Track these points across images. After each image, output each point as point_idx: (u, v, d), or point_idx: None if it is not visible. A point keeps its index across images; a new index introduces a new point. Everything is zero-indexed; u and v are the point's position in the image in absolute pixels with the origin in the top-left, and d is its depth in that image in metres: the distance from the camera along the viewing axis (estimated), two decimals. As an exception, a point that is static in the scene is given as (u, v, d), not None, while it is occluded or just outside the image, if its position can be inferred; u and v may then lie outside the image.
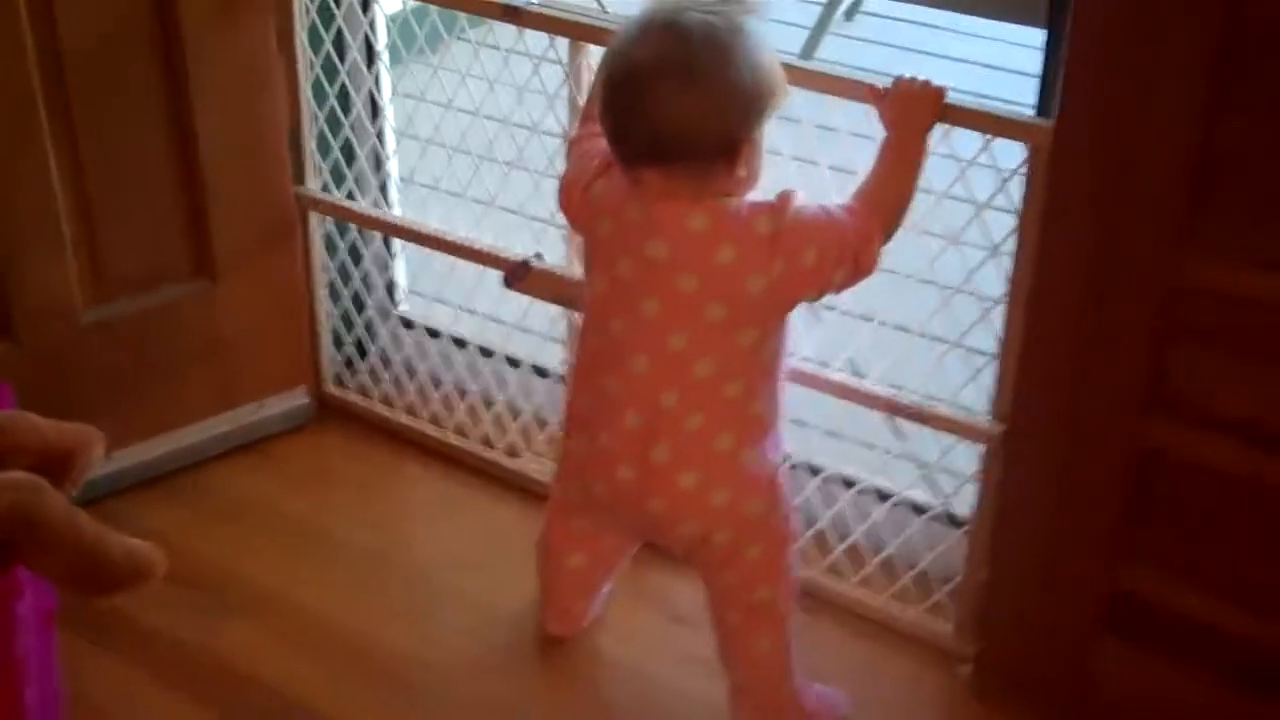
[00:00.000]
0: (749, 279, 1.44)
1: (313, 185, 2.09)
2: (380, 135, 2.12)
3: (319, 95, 2.06)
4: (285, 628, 1.84)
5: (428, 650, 1.81)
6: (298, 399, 2.17)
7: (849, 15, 3.46)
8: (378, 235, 2.17)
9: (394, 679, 1.77)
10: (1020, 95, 1.55)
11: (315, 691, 1.74)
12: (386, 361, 2.21)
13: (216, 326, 2.06)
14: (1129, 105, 1.40)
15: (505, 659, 1.80)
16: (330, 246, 2.15)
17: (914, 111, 1.53)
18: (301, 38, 2.00)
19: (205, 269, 2.02)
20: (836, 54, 3.26)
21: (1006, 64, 3.22)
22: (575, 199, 1.54)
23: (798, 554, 1.64)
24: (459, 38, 1.95)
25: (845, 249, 1.45)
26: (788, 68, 1.55)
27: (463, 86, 1.95)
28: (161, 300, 1.99)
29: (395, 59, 2.08)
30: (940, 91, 1.53)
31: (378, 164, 2.14)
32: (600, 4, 1.90)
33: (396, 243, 2.19)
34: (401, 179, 2.16)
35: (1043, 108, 1.55)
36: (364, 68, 2.06)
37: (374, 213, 2.09)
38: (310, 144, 2.07)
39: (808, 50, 3.18)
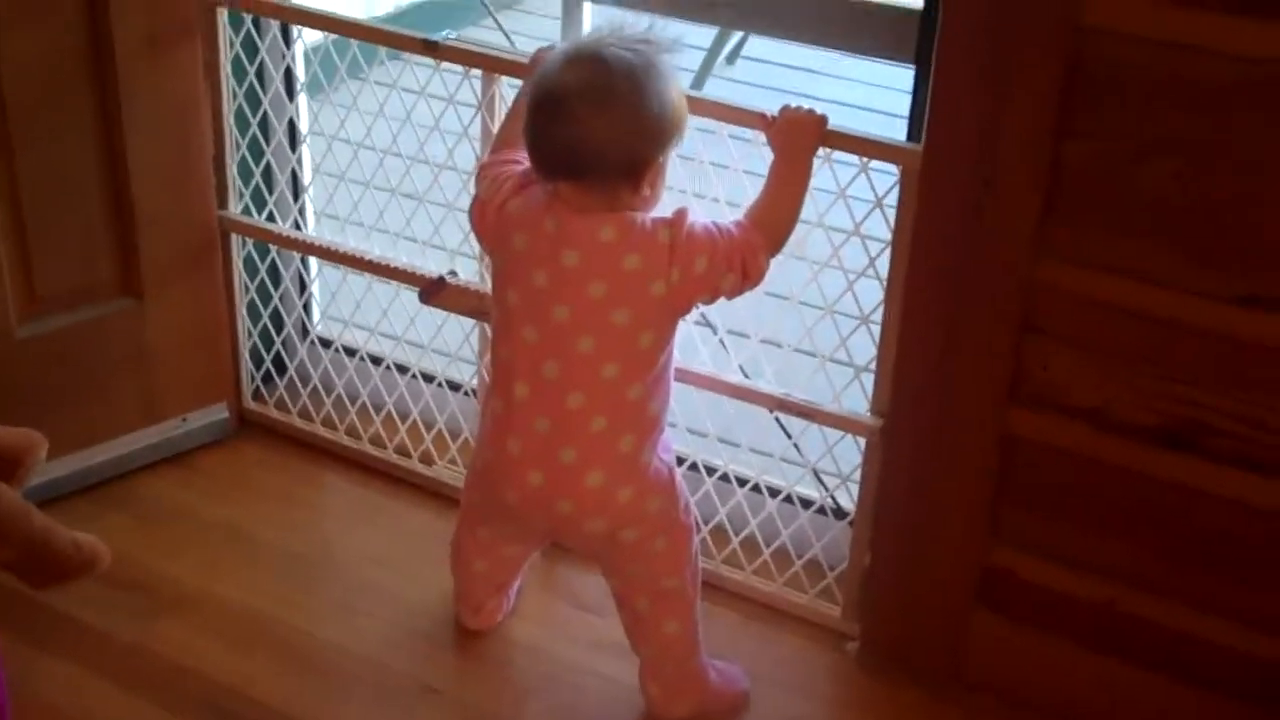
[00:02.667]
0: (651, 284, 1.60)
1: (234, 209, 2.21)
2: (299, 162, 2.25)
3: (241, 123, 2.18)
4: (218, 624, 1.95)
5: (352, 640, 1.93)
6: (219, 413, 2.29)
7: (730, 59, 3.66)
8: (296, 258, 2.30)
9: (324, 667, 1.90)
10: (891, 134, 1.74)
11: (251, 681, 1.86)
12: (304, 378, 2.33)
13: (142, 343, 2.16)
14: (988, 128, 1.59)
15: (426, 646, 1.94)
16: (251, 268, 2.27)
17: (799, 136, 1.70)
18: (226, 68, 2.13)
19: (132, 288, 2.13)
20: (719, 96, 3.44)
21: (877, 106, 3.45)
22: (489, 216, 1.68)
23: (698, 542, 1.79)
24: (380, 63, 2.08)
25: (733, 258, 1.61)
26: (690, 99, 1.73)
27: (380, 120, 2.09)
28: (90, 317, 2.10)
29: (316, 89, 2.22)
30: (822, 118, 1.71)
31: (296, 190, 2.27)
32: (510, 42, 2.05)
33: (314, 265, 2.32)
34: (318, 211, 2.30)
35: (913, 135, 1.73)
36: (285, 98, 2.20)
37: (293, 234, 2.22)
38: (233, 169, 2.19)
39: (697, 80, 3.37)
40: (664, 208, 1.64)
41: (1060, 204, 1.59)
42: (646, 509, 1.68)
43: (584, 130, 1.56)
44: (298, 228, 2.26)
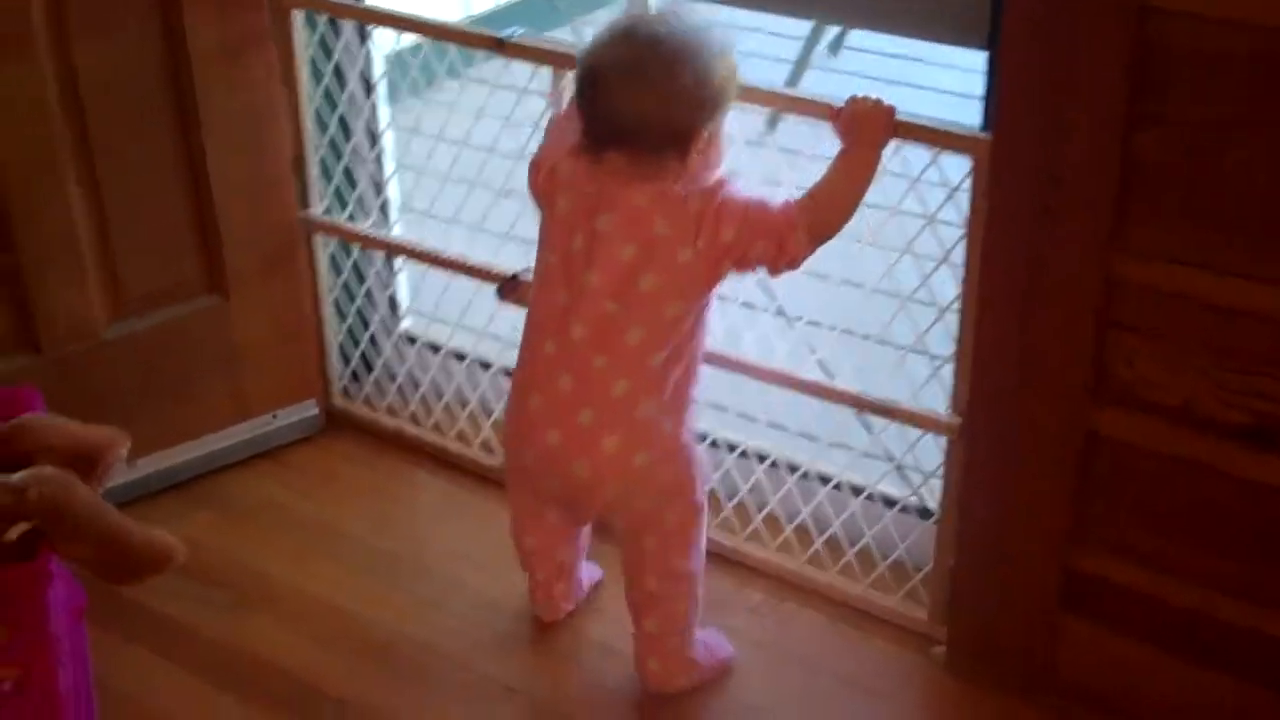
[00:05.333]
0: (679, 250, 1.61)
1: (316, 209, 2.22)
2: (379, 161, 2.25)
3: (320, 125, 2.19)
4: (302, 619, 1.97)
5: (435, 638, 1.94)
6: (308, 410, 2.31)
7: (833, 50, 3.57)
8: (379, 257, 2.30)
9: (406, 664, 1.90)
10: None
11: (330, 677, 1.87)
12: (391, 375, 2.34)
13: (230, 342, 2.19)
14: (1055, 118, 1.52)
15: (506, 644, 1.93)
16: (335, 267, 2.28)
17: (865, 127, 1.66)
18: (303, 71, 2.13)
19: (218, 287, 2.15)
20: (821, 87, 3.36)
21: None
22: (540, 178, 1.72)
23: (706, 524, 1.77)
24: (467, 65, 2.08)
25: (770, 232, 1.61)
26: (756, 91, 1.71)
27: (454, 116, 2.08)
28: (177, 316, 2.13)
29: (392, 96, 2.22)
30: (890, 110, 1.65)
31: (377, 189, 2.27)
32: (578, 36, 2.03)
33: (397, 263, 2.32)
34: (399, 205, 2.29)
35: (987, 124, 1.67)
36: (362, 98, 2.20)
37: (373, 233, 2.22)
38: (313, 170, 2.20)
39: (790, 83, 3.29)
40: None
41: (1135, 194, 1.52)
42: (661, 478, 1.69)
43: (620, 103, 1.59)
44: (384, 221, 2.27)
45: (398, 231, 2.30)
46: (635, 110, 1.59)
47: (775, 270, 1.65)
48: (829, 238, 1.66)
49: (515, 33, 1.94)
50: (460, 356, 2.28)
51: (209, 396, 2.20)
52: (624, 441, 1.66)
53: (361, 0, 2.10)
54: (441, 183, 2.15)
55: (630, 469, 1.67)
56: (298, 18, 2.11)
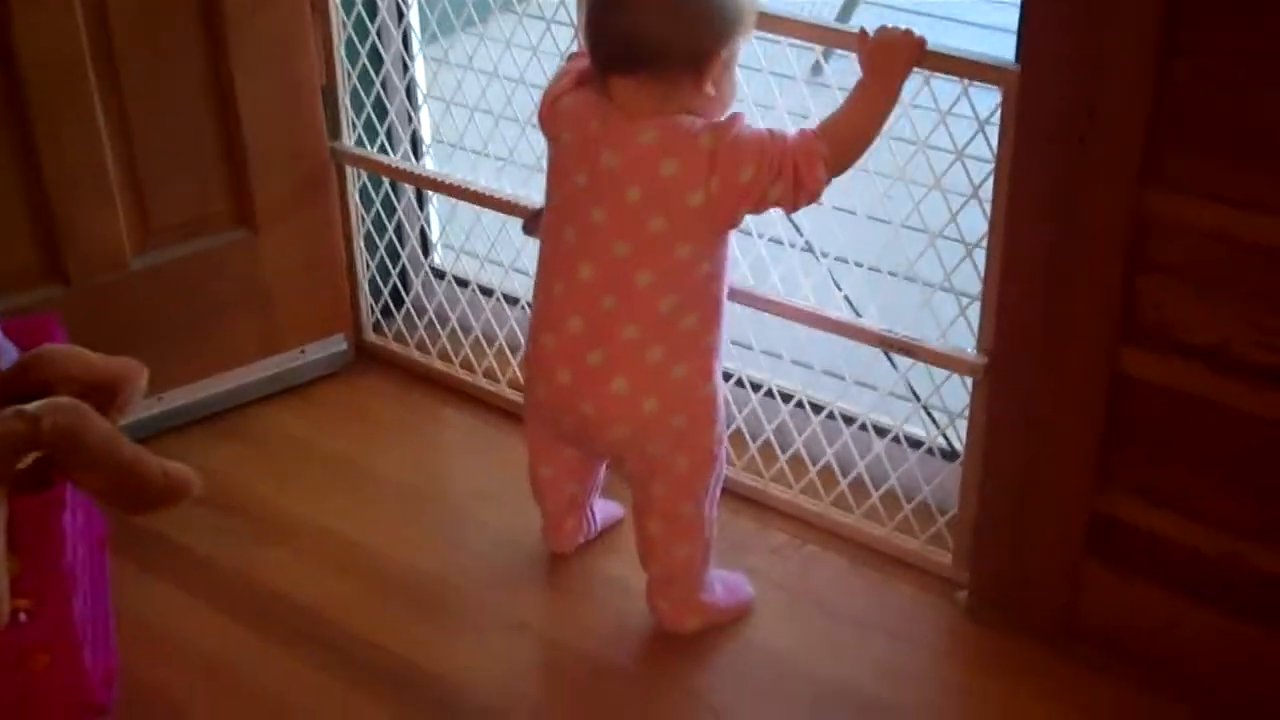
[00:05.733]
0: (689, 193, 1.56)
1: (347, 141, 2.20)
2: (410, 93, 2.22)
3: (351, 55, 2.17)
4: (320, 553, 1.96)
5: (449, 571, 1.93)
6: (337, 345, 2.29)
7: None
8: (409, 190, 2.29)
9: (418, 598, 1.89)
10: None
11: (343, 608, 1.87)
12: (420, 310, 2.32)
13: (259, 275, 2.18)
14: (1086, 48, 1.47)
15: (521, 580, 1.92)
16: (365, 199, 2.27)
17: (891, 58, 1.61)
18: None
19: (247, 220, 2.14)
20: (875, 21, 3.28)
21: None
22: (545, 109, 1.67)
23: (722, 474, 1.74)
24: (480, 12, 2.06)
25: (785, 165, 1.55)
26: (779, 18, 1.66)
27: (482, 47, 2.05)
28: (205, 248, 2.12)
29: (423, 27, 2.20)
30: (919, 41, 1.60)
31: (408, 120, 2.25)
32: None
33: (427, 197, 2.30)
34: (429, 137, 2.27)
35: (1019, 56, 1.61)
36: (393, 28, 2.17)
37: (405, 166, 2.20)
38: (344, 101, 2.18)
39: (843, 16, 3.22)
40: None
41: (1169, 128, 1.47)
42: (672, 424, 1.65)
43: (640, 17, 1.54)
44: (413, 158, 2.25)
45: (428, 165, 2.27)
46: (649, 25, 1.53)
47: (793, 207, 1.60)
48: (845, 169, 1.61)
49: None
50: (489, 292, 2.26)
51: (237, 330, 2.19)
52: (633, 385, 1.62)
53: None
54: (470, 114, 2.12)
55: (639, 413, 1.63)
56: (329, -56, 2.09)
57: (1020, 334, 1.66)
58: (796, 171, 1.56)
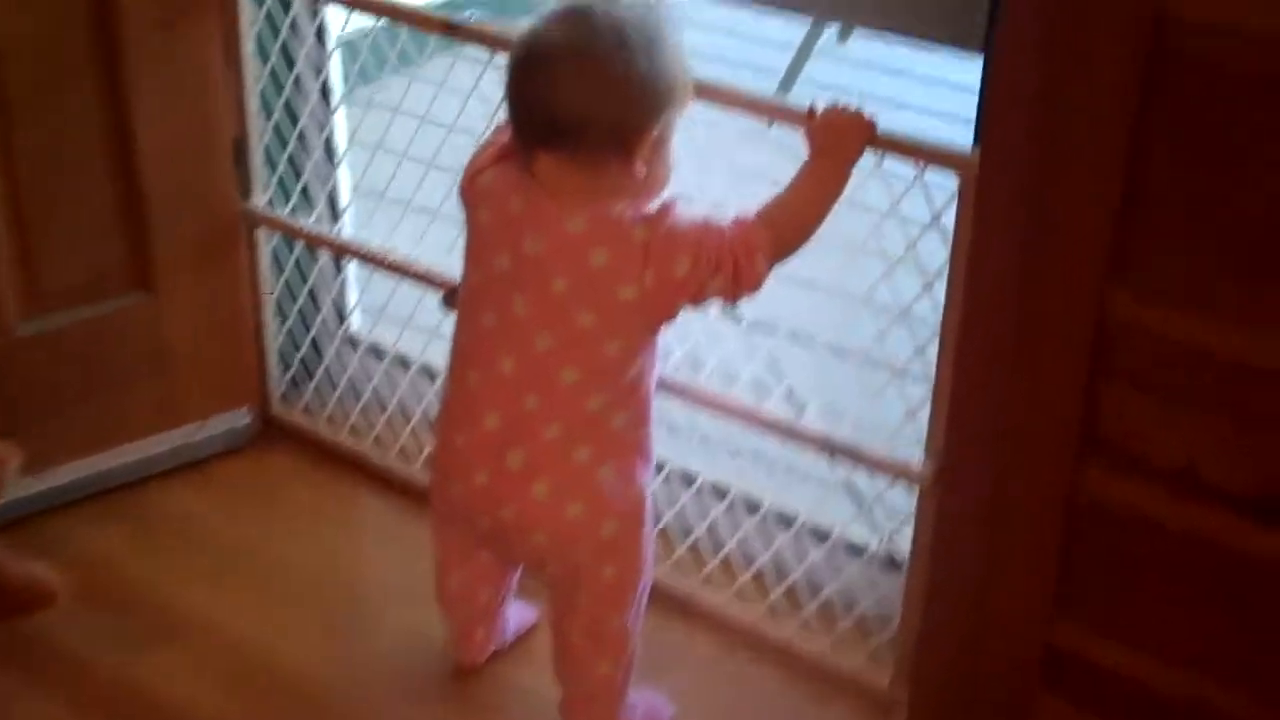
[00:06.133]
0: (621, 287, 1.41)
1: (260, 199, 2.04)
2: (328, 148, 2.07)
3: (266, 106, 2.02)
4: (210, 656, 1.79)
5: (351, 679, 1.77)
6: (241, 418, 2.13)
7: (843, 37, 3.36)
8: (326, 252, 2.13)
9: (314, 709, 1.73)
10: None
11: (230, 721, 1.70)
12: (333, 380, 2.17)
13: (158, 342, 2.02)
14: (1053, 134, 1.33)
15: (428, 689, 1.76)
16: (278, 259, 2.11)
17: (840, 140, 1.48)
18: (248, 48, 1.96)
19: (146, 282, 1.98)
20: (829, 75, 3.17)
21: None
22: (466, 181, 1.53)
23: (649, 583, 1.59)
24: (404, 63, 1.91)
25: (724, 258, 1.42)
26: (717, 90, 1.54)
27: (413, 90, 1.90)
28: (100, 313, 1.96)
29: (345, 75, 2.05)
30: (870, 124, 1.48)
31: (325, 179, 2.09)
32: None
33: (345, 259, 2.15)
34: (350, 190, 2.12)
35: (977, 138, 1.48)
36: (311, 78, 2.02)
37: (318, 231, 2.05)
38: (256, 157, 2.02)
39: (792, 71, 3.09)
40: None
41: (1138, 226, 1.33)
42: (598, 530, 1.50)
43: (562, 89, 1.39)
44: (325, 219, 2.09)
45: (347, 224, 2.12)
46: (571, 98, 1.39)
47: (733, 300, 1.46)
48: (788, 256, 1.48)
49: (471, 16, 1.77)
50: (407, 363, 2.10)
51: (132, 401, 2.03)
52: (556, 489, 1.47)
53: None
54: (399, 162, 1.96)
55: (563, 520, 1.48)
56: (243, -11, 1.94)
57: (971, 443, 1.51)
58: (736, 264, 1.42)
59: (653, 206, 1.43)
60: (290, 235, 2.07)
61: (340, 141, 2.08)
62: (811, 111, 1.50)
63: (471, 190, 1.52)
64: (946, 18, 1.50)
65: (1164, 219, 1.32)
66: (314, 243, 2.07)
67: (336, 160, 2.09)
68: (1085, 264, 1.36)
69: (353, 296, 2.20)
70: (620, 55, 1.39)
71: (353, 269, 2.17)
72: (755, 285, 1.45)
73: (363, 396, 2.14)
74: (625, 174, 1.42)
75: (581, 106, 1.39)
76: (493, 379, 1.48)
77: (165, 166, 1.93)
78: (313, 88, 2.03)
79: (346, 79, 2.06)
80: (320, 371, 2.19)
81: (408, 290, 2.00)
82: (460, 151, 1.79)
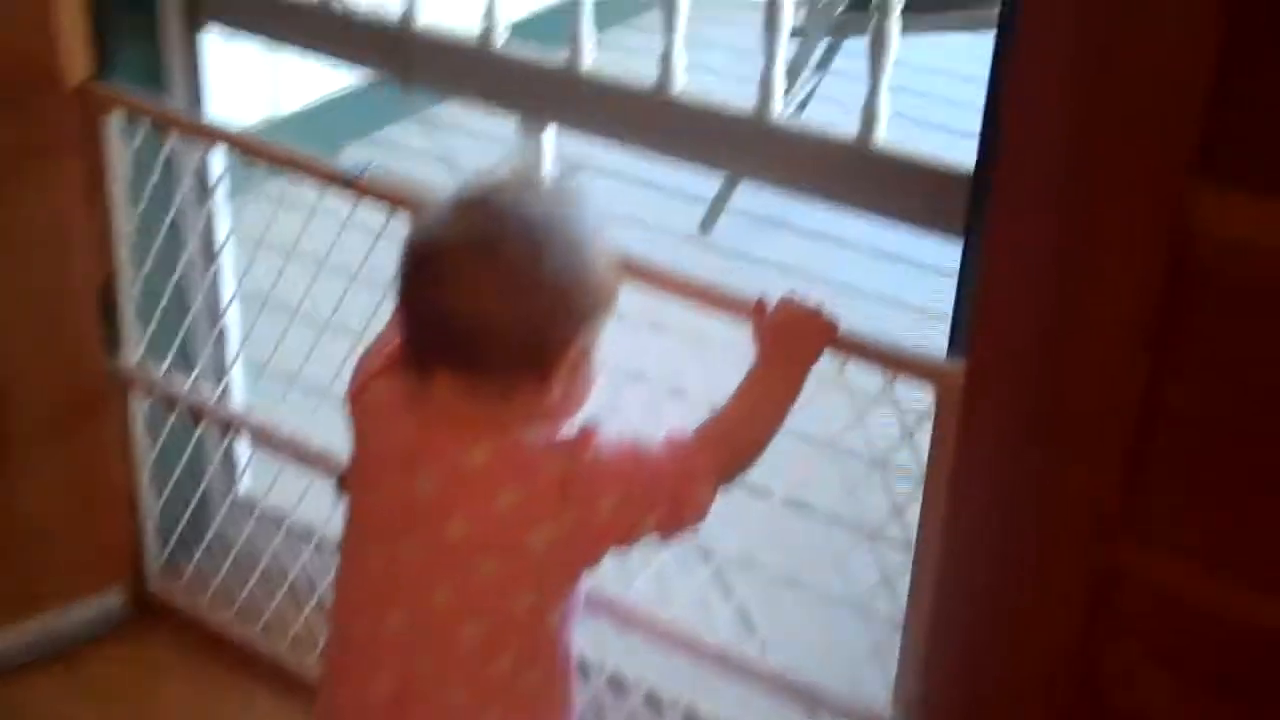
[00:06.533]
0: (531, 531, 1.17)
1: (130, 357, 1.79)
2: (212, 301, 1.83)
3: (140, 250, 1.77)
4: None
5: None
6: (112, 600, 1.88)
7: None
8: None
9: None
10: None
11: None
12: (220, 552, 1.91)
13: (12, 517, 1.77)
14: (1055, 348, 1.12)
15: None
16: (156, 417, 1.85)
17: (794, 341, 1.25)
18: (116, 187, 1.71)
19: (-1, 450, 1.73)
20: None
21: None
22: (355, 389, 1.28)
23: None
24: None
25: (658, 492, 1.18)
26: (649, 273, 1.30)
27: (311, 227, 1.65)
28: (-58, 487, 1.71)
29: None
30: (831, 325, 1.25)
31: (207, 332, 1.84)
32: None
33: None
34: (239, 341, 1.87)
35: (955, 345, 1.25)
36: (194, 217, 1.78)
37: (199, 400, 1.80)
38: (128, 309, 1.77)
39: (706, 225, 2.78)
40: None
41: (1152, 466, 1.11)
42: None
43: (463, 299, 1.13)
44: (215, 367, 1.84)
45: (235, 378, 1.87)
46: (478, 309, 1.13)
47: (671, 537, 1.22)
48: (735, 479, 1.24)
49: (367, 168, 1.52)
50: (308, 534, 1.85)
51: (-17, 584, 1.77)
52: None
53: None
54: (291, 317, 1.72)
55: None
56: (112, 123, 1.69)
57: (949, 699, 1.28)
58: (674, 496, 1.18)
59: (569, 432, 1.19)
60: (165, 402, 1.81)
61: (225, 290, 1.83)
62: (760, 305, 1.27)
63: (359, 403, 1.27)
64: (917, 199, 1.28)
65: (1185, 459, 1.10)
66: (192, 411, 1.81)
67: (220, 312, 1.83)
68: (1087, 503, 1.15)
69: (244, 453, 1.95)
70: (532, 254, 1.14)
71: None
72: (698, 518, 1.21)
73: (254, 571, 1.88)
74: (539, 396, 1.18)
75: (485, 319, 1.14)
76: (381, 635, 1.23)
77: (13, 319, 1.69)
78: (192, 232, 1.78)
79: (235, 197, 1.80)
80: (205, 541, 1.93)
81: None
82: (362, 307, 1.56)
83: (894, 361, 1.25)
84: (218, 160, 1.76)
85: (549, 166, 1.55)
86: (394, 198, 1.49)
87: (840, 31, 2.81)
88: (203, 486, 1.91)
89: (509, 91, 1.50)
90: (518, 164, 1.46)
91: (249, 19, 1.69)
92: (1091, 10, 1.03)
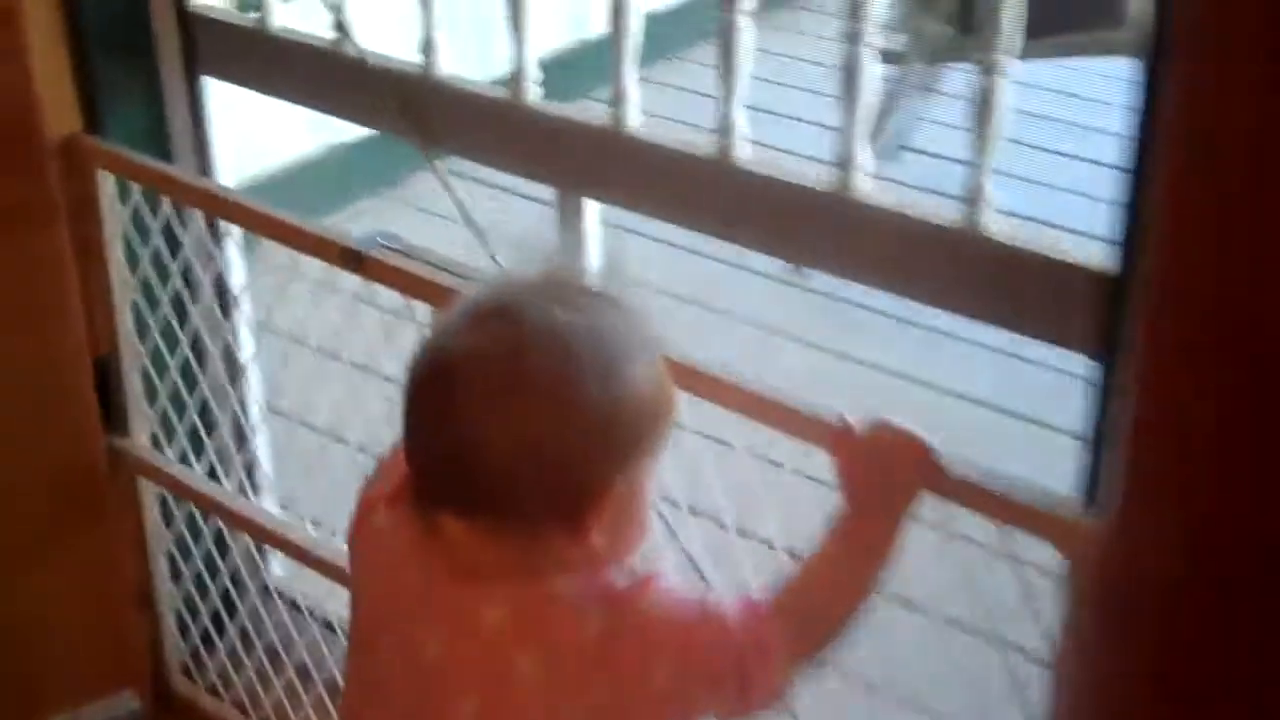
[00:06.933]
0: (561, 708, 0.94)
1: (136, 438, 1.59)
2: (228, 364, 1.62)
3: (143, 317, 1.57)
4: None
5: None
6: (125, 704, 1.72)
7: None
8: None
9: None
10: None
11: None
12: (247, 647, 1.71)
13: (12, 620, 1.60)
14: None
15: None
16: (167, 505, 1.66)
17: (887, 479, 1.01)
18: (111, 250, 1.51)
19: (-9, 549, 1.55)
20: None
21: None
22: (357, 521, 1.06)
23: None
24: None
25: (726, 664, 0.95)
26: (710, 384, 1.05)
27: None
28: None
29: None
30: (928, 454, 1.00)
31: (221, 415, 1.64)
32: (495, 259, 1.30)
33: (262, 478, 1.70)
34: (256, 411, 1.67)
35: (1090, 493, 1.00)
36: (203, 277, 1.57)
37: (207, 490, 1.59)
38: (133, 385, 1.57)
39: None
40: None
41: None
42: None
43: (475, 433, 0.91)
44: (234, 444, 1.64)
45: (259, 456, 1.67)
46: (495, 442, 0.90)
47: (741, 716, 1.00)
48: (820, 653, 1.00)
49: (377, 240, 1.30)
50: (332, 627, 1.65)
51: (-17, 692, 1.60)
52: None
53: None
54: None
55: None
56: (104, 181, 1.49)
57: None
58: (743, 672, 0.95)
59: (619, 579, 0.96)
60: (176, 492, 1.61)
61: (243, 347, 1.62)
62: (845, 429, 1.02)
63: (360, 536, 1.06)
64: (1036, 308, 1.02)
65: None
66: (203, 505, 1.61)
67: (238, 373, 1.63)
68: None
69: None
70: (562, 379, 0.91)
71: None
72: (769, 702, 0.99)
73: (284, 666, 1.68)
74: (574, 546, 0.94)
75: (503, 458, 0.91)
76: None
77: (3, 399, 1.51)
78: (199, 298, 1.57)
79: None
80: (231, 634, 1.73)
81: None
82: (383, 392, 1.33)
83: (1010, 510, 1.00)
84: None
85: (592, 240, 1.31)
86: (408, 282, 1.26)
87: (942, 57, 2.54)
88: (226, 575, 1.71)
89: (543, 158, 1.26)
90: (551, 251, 1.21)
91: (246, 69, 1.48)
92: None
